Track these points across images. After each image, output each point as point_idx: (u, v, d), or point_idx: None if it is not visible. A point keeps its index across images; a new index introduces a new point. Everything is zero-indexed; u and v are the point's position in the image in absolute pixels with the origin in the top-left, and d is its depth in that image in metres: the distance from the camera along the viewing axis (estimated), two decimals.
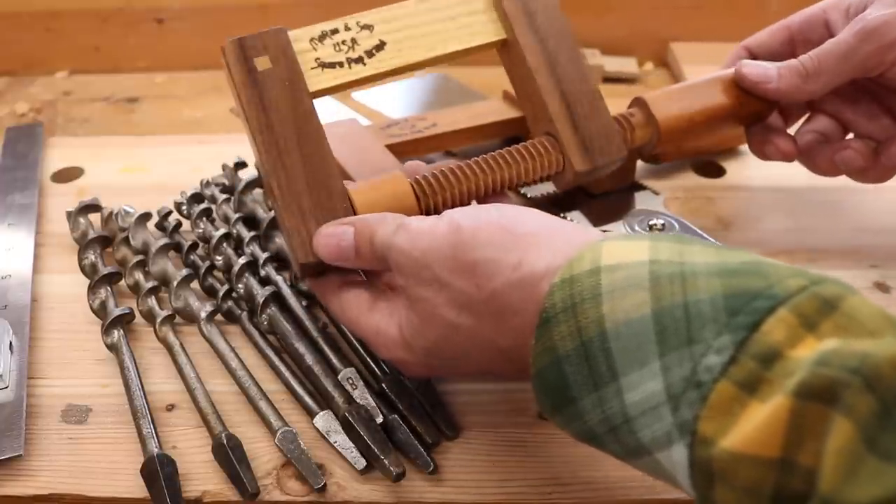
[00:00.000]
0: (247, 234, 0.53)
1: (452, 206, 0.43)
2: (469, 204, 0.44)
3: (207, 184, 0.59)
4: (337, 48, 0.45)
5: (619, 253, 0.30)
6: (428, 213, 0.43)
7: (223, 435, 0.40)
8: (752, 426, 0.25)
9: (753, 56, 0.54)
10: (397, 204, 0.42)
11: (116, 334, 0.47)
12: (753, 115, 0.52)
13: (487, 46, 0.48)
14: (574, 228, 0.35)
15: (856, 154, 0.50)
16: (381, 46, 0.45)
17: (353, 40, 0.45)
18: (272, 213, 0.54)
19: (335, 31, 0.45)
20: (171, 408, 0.44)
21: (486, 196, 0.45)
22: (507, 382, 0.45)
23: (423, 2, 0.47)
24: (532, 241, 0.33)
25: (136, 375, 0.45)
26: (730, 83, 0.51)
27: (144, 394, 0.44)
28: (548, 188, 0.59)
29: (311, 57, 0.45)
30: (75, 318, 0.50)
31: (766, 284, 0.27)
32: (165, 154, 0.67)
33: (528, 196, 0.59)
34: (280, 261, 0.52)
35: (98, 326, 0.48)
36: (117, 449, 0.42)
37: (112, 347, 0.47)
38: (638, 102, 0.50)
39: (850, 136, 0.54)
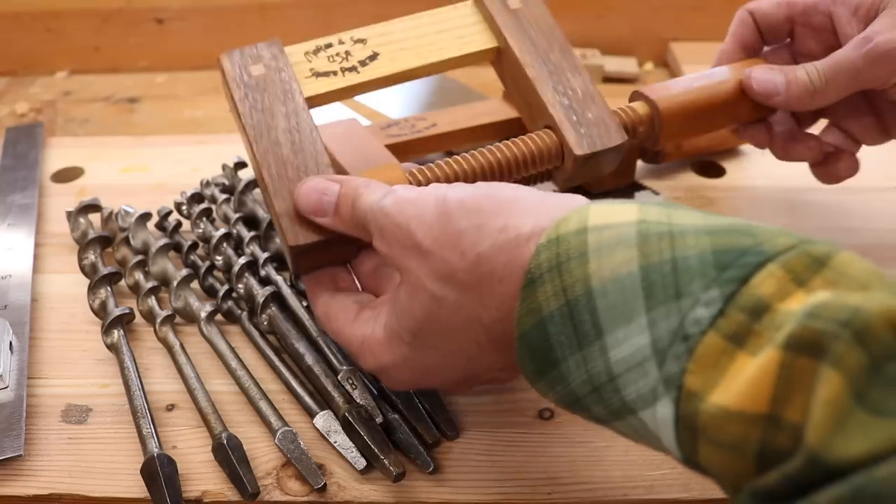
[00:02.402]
0: (247, 234, 0.53)
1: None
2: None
3: (207, 184, 0.59)
4: (331, 59, 0.46)
5: (606, 214, 0.30)
6: None
7: (223, 435, 0.40)
8: (740, 381, 0.25)
9: (755, 22, 0.53)
10: None
11: (116, 334, 0.47)
12: (756, 113, 0.52)
13: (481, 55, 0.49)
14: (560, 196, 0.34)
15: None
16: (374, 57, 0.46)
17: (347, 52, 0.46)
18: None
19: (329, 46, 0.47)
20: (171, 408, 0.44)
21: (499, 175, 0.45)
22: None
23: (415, 18, 0.48)
24: (518, 206, 0.33)
25: (137, 375, 0.45)
26: (733, 80, 0.50)
27: (144, 394, 0.44)
28: (548, 188, 0.59)
29: (305, 67, 0.46)
30: (75, 317, 0.50)
31: (755, 242, 0.27)
32: (165, 154, 0.67)
33: None
34: (280, 261, 0.52)
35: (98, 326, 0.48)
36: (117, 449, 0.42)
37: (112, 347, 0.47)
38: (639, 96, 0.50)
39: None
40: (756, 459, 0.25)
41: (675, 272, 0.27)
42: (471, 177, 0.44)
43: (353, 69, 0.46)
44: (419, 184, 0.43)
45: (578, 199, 0.34)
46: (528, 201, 0.33)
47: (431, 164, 0.44)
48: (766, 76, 0.49)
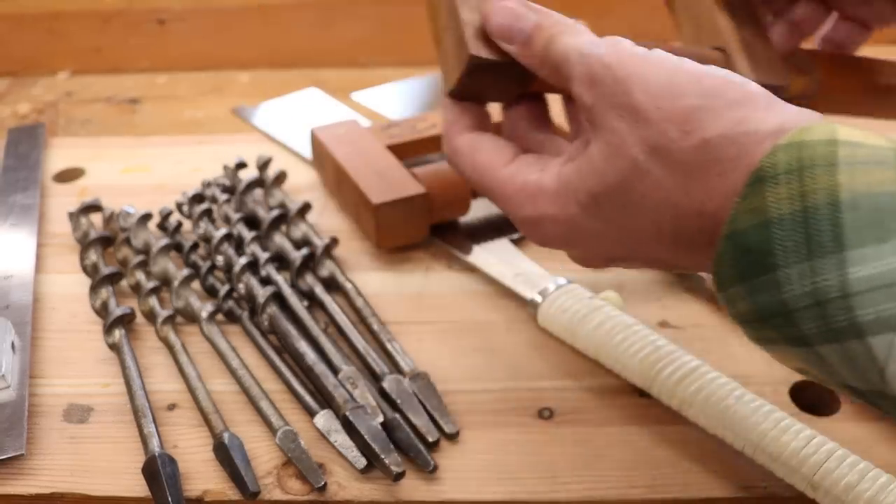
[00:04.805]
0: (248, 235, 0.53)
1: None
2: None
3: (208, 184, 0.60)
4: None
5: (857, 134, 0.28)
6: None
7: (224, 434, 0.41)
8: None
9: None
10: None
11: (118, 334, 0.47)
12: None
13: None
14: (796, 107, 0.32)
15: None
16: None
17: None
18: (273, 213, 0.54)
19: None
20: (172, 407, 0.44)
21: None
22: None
23: None
24: (762, 102, 0.30)
25: (138, 375, 0.45)
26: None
27: (146, 393, 0.44)
28: None
29: None
30: (77, 317, 0.51)
31: None
32: (166, 154, 0.67)
33: None
34: (280, 261, 0.52)
35: (100, 326, 0.48)
36: (119, 448, 0.42)
37: (113, 347, 0.47)
38: (807, 53, 0.46)
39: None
40: None
41: None
42: None
43: None
44: None
45: (817, 114, 0.31)
46: (770, 99, 0.31)
47: None
48: None
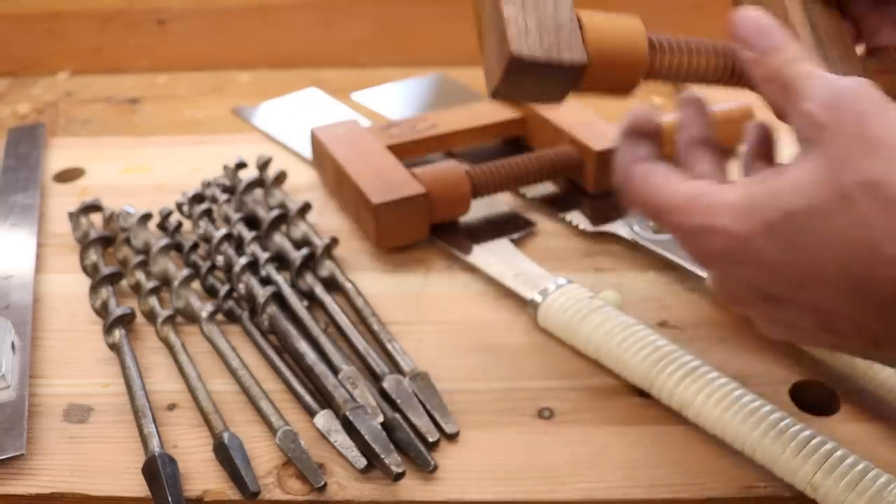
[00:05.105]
0: (248, 235, 0.53)
1: (689, 73, 0.41)
2: (712, 76, 0.40)
3: (208, 184, 0.60)
4: None
5: None
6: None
7: (224, 434, 0.41)
8: None
9: None
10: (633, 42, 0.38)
11: (118, 334, 0.47)
12: None
13: None
14: None
15: None
16: None
17: None
18: (273, 213, 0.54)
19: None
20: (172, 407, 0.44)
21: (728, 75, 0.41)
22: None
23: None
24: None
25: (138, 375, 0.45)
26: None
27: (146, 393, 0.44)
28: (547, 188, 0.59)
29: None
30: (77, 317, 0.51)
31: None
32: (166, 154, 0.67)
33: (528, 196, 0.59)
34: (280, 260, 0.52)
35: (100, 326, 0.48)
36: (119, 448, 0.42)
37: (113, 347, 0.47)
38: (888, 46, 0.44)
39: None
40: None
41: None
42: (713, 69, 0.41)
43: None
44: (662, 56, 0.40)
45: None
46: None
47: (680, 38, 0.41)
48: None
